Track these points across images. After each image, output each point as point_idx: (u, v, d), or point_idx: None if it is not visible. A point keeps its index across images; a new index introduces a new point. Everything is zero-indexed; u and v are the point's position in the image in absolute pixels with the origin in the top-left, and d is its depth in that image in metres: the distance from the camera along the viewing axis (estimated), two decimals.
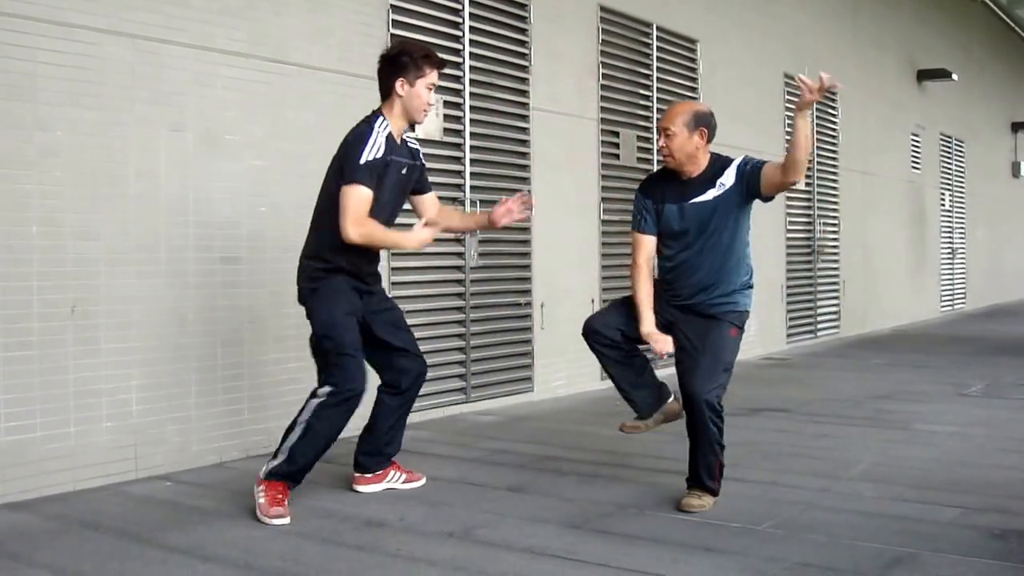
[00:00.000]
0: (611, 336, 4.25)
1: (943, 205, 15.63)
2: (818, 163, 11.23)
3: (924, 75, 14.53)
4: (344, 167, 4.02)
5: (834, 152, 11.67)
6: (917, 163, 14.49)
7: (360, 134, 4.06)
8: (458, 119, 6.45)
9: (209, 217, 4.96)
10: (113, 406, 4.56)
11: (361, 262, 4.17)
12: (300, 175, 5.42)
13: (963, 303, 16.41)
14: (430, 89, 4.17)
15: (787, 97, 10.54)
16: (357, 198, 3.97)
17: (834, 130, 11.66)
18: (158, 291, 4.75)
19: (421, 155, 4.38)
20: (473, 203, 6.45)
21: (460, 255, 6.48)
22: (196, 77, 4.91)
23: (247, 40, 5.15)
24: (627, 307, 4.30)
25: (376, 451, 4.41)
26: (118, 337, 4.58)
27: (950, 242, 15.95)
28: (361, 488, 4.41)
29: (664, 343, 4.14)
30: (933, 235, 15.17)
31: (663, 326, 4.20)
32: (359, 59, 5.74)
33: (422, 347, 6.11)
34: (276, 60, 5.30)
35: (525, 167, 6.99)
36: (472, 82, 6.53)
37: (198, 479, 4.68)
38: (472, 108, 6.52)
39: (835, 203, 11.70)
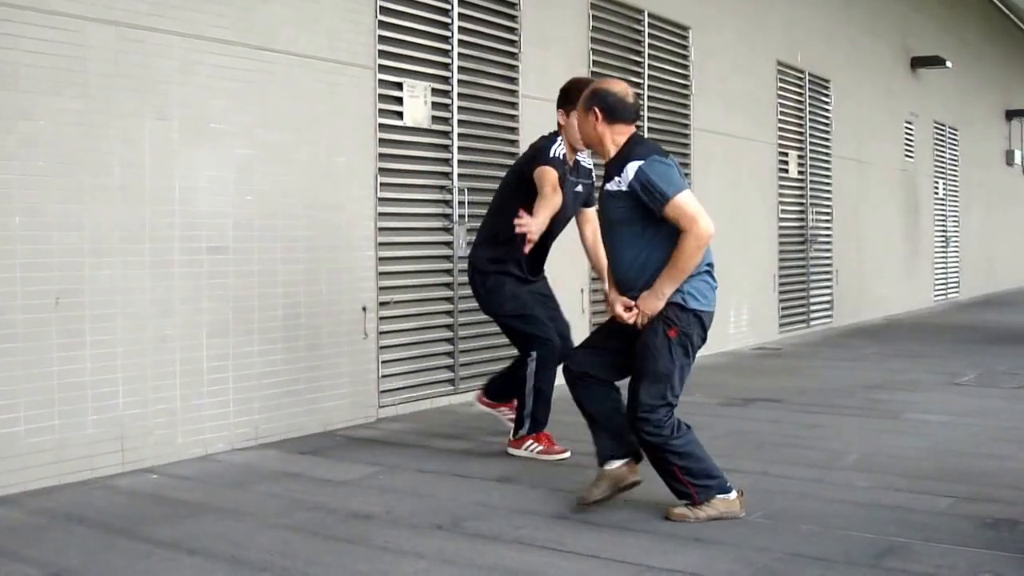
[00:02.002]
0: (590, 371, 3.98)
1: (937, 194, 15.61)
2: (811, 151, 11.20)
3: (918, 62, 14.48)
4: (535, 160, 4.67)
5: (827, 140, 11.63)
6: (911, 151, 14.46)
7: (542, 147, 4.73)
8: (446, 107, 6.39)
9: (195, 207, 4.91)
10: (98, 399, 4.51)
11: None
12: (287, 164, 5.38)
13: (956, 292, 16.40)
14: None
15: (780, 85, 10.50)
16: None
17: (827, 118, 11.61)
18: (143, 282, 4.70)
19: (593, 175, 4.96)
20: (461, 191, 6.40)
21: (448, 244, 6.43)
22: (181, 65, 4.85)
23: (233, 27, 5.09)
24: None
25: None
26: (103, 329, 4.53)
27: (944, 231, 15.93)
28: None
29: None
30: (927, 224, 15.16)
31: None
32: (346, 47, 5.69)
33: (409, 338, 6.15)
34: (263, 48, 5.24)
35: (514, 155, 6.91)
36: (461, 69, 6.47)
37: (184, 472, 4.64)
38: (460, 96, 6.47)
39: (828, 191, 11.67)
